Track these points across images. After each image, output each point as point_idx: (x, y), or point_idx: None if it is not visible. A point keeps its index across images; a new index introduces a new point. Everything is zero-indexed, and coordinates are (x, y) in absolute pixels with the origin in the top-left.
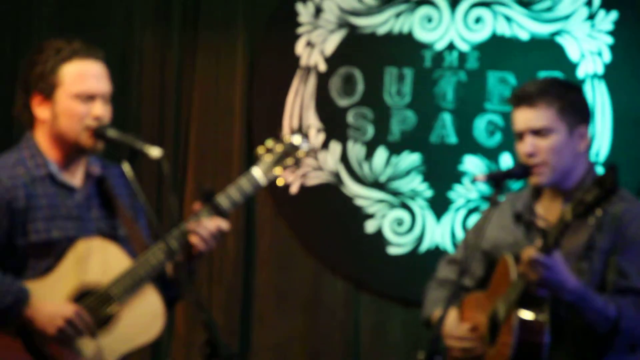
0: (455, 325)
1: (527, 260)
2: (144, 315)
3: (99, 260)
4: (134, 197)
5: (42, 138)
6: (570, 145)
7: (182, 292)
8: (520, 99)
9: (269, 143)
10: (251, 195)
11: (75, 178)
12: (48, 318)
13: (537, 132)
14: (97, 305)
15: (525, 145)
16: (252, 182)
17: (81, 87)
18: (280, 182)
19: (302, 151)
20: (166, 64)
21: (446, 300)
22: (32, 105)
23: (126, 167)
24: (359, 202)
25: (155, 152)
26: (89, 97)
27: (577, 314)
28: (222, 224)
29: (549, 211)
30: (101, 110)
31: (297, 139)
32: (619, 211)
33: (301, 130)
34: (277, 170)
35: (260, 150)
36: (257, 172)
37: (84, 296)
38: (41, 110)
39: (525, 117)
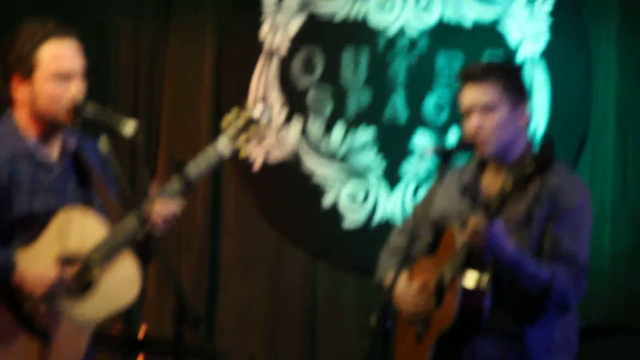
0: (405, 287)
1: (471, 227)
2: (122, 279)
3: (79, 228)
4: (106, 167)
5: (21, 116)
6: (512, 121)
7: (152, 254)
8: (468, 77)
9: (233, 114)
10: (217, 164)
11: (53, 153)
12: (33, 283)
13: (483, 108)
14: (79, 271)
15: (472, 121)
16: (217, 152)
17: (58, 67)
18: (243, 153)
19: (264, 122)
20: (140, 44)
21: (398, 266)
22: (11, 86)
23: (103, 142)
24: (316, 180)
25: (129, 128)
26: (66, 76)
27: (514, 277)
28: (175, 207)
29: (492, 184)
30: (78, 88)
31: (257, 112)
32: (554, 183)
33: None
34: (241, 140)
35: (224, 122)
36: (222, 143)
37: (65, 263)
38: (20, 91)
39: (471, 95)
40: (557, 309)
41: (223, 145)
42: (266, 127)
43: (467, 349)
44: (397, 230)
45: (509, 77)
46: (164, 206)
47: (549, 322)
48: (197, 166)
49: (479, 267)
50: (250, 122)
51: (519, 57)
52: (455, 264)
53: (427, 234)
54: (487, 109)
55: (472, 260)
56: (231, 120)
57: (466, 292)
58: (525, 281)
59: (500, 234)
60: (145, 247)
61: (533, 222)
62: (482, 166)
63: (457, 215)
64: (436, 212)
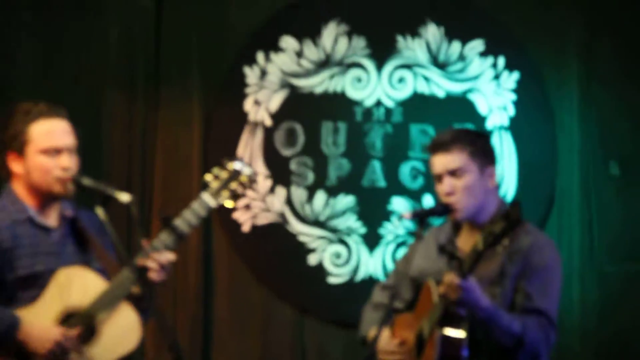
0: (387, 342)
1: (447, 283)
2: (123, 328)
3: (79, 285)
4: (102, 232)
5: (19, 188)
6: (481, 183)
7: (149, 310)
8: (437, 146)
9: (215, 170)
10: (204, 217)
11: (51, 219)
12: (38, 341)
13: (453, 173)
14: (81, 324)
15: (444, 186)
16: (203, 205)
17: (48, 143)
18: (229, 205)
19: (244, 175)
20: (132, 120)
21: (380, 321)
22: (7, 162)
23: (100, 211)
24: (302, 238)
25: (124, 197)
26: (56, 151)
27: (488, 330)
28: (170, 256)
29: (466, 243)
30: (67, 161)
31: (238, 165)
32: (525, 243)
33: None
34: (224, 194)
35: (207, 176)
36: (207, 196)
37: (68, 317)
38: (16, 166)
39: (441, 162)
40: None
41: (208, 197)
42: (248, 179)
43: None
44: (379, 287)
45: (475, 142)
46: (158, 256)
47: None
48: (184, 219)
49: (455, 320)
50: (233, 175)
51: (488, 127)
52: (432, 318)
53: (407, 290)
54: (456, 174)
55: (448, 314)
56: (214, 174)
57: (445, 341)
58: (498, 333)
59: (474, 288)
60: (142, 303)
61: (505, 280)
62: (457, 227)
63: (434, 273)
64: (415, 270)
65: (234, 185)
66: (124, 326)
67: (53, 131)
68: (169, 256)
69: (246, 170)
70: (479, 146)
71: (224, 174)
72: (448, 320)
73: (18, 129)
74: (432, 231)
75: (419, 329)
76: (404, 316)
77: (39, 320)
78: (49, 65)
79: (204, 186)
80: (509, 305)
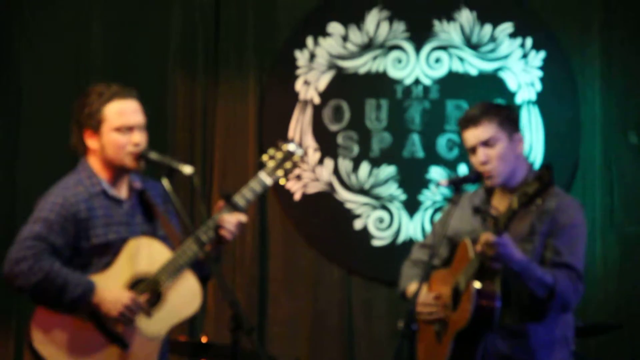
0: (425, 296)
1: (483, 241)
2: (186, 294)
3: (146, 254)
4: (167, 203)
5: (94, 163)
6: (511, 150)
7: (211, 273)
8: (467, 121)
9: (271, 151)
10: (260, 193)
11: (122, 192)
12: (111, 304)
13: (485, 144)
14: (148, 290)
15: (479, 156)
16: (260, 183)
17: (121, 122)
18: (282, 182)
19: (297, 155)
20: (194, 98)
21: (420, 277)
22: (84, 138)
23: (165, 183)
24: (348, 205)
25: (187, 169)
26: (128, 129)
27: (522, 282)
28: (242, 217)
29: (499, 205)
30: (139, 137)
31: (292, 147)
32: (553, 204)
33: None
34: (279, 172)
35: (264, 157)
36: (263, 175)
37: (137, 283)
38: (92, 142)
39: (473, 134)
40: (558, 309)
41: (264, 176)
42: (300, 159)
43: (480, 346)
44: (418, 245)
45: (500, 113)
46: (233, 216)
47: (551, 321)
48: (243, 196)
49: (490, 274)
50: (287, 156)
51: (517, 102)
52: (468, 272)
53: (444, 249)
54: (489, 143)
55: (483, 268)
56: (270, 155)
57: (480, 294)
58: (532, 285)
59: (509, 243)
60: (203, 264)
61: (535, 237)
62: (489, 191)
63: (469, 232)
64: (451, 230)
65: (287, 164)
66: (186, 292)
67: (125, 111)
68: (240, 216)
69: (299, 151)
70: (505, 115)
71: (279, 155)
72: (483, 274)
73: (94, 109)
74: (466, 196)
75: (454, 284)
76: (440, 272)
77: (111, 285)
78: (119, 48)
79: (261, 166)
80: (539, 261)
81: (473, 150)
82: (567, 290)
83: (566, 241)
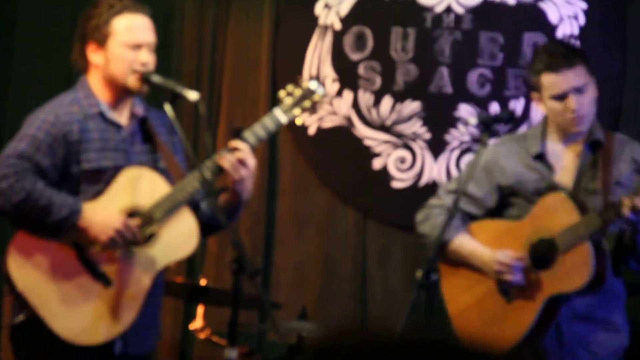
0: (502, 254)
1: (629, 204)
2: (181, 234)
3: (147, 186)
4: (172, 135)
5: (94, 81)
6: (595, 97)
7: (222, 225)
8: (559, 63)
9: (289, 87)
10: (273, 132)
11: (122, 117)
12: (100, 227)
13: (579, 90)
14: (142, 224)
15: (571, 103)
16: (274, 120)
17: (130, 37)
18: (298, 122)
19: (318, 95)
20: (203, 21)
21: (459, 228)
22: (87, 53)
23: (168, 108)
24: (367, 142)
25: (193, 95)
26: (137, 46)
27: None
28: (241, 155)
29: (564, 151)
30: (147, 57)
31: (313, 84)
32: (624, 148)
33: (318, 78)
34: (296, 111)
35: (281, 93)
36: (279, 112)
37: (130, 216)
38: (95, 57)
39: (567, 78)
40: None
41: (280, 113)
42: (321, 99)
43: (560, 308)
44: (445, 190)
45: (586, 58)
46: (236, 153)
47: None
48: (254, 132)
49: (604, 234)
50: (307, 94)
51: (558, 36)
52: (579, 231)
53: (491, 198)
54: (582, 90)
55: (602, 229)
56: (288, 91)
57: (598, 257)
58: None
59: None
60: (216, 216)
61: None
62: (544, 132)
63: (536, 181)
64: (508, 177)
65: (306, 103)
66: (182, 231)
67: (136, 26)
68: (244, 147)
69: (320, 90)
70: (586, 59)
71: (297, 92)
72: (598, 234)
73: (102, 21)
74: (513, 139)
75: (535, 239)
76: (489, 224)
77: (103, 211)
78: None
79: (277, 101)
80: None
81: (563, 96)
82: None
83: None
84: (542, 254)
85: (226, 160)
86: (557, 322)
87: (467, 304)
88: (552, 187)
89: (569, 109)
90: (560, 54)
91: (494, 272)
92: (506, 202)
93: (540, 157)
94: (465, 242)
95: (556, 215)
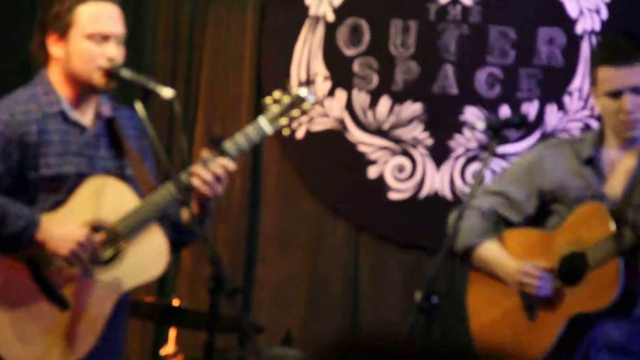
0: (528, 265)
1: None
2: (149, 253)
3: (112, 198)
4: (142, 138)
5: (55, 76)
6: None
7: (193, 239)
8: (618, 58)
9: (276, 94)
10: (257, 143)
11: (86, 117)
12: (60, 241)
13: (634, 90)
14: (106, 241)
15: (626, 103)
16: (259, 130)
17: (95, 28)
18: (285, 132)
19: (308, 103)
20: (180, 11)
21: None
22: (47, 44)
23: (138, 107)
24: (362, 148)
25: (167, 92)
26: (103, 38)
27: None
28: (228, 164)
29: (618, 158)
30: (114, 51)
31: (303, 91)
32: None
33: (309, 79)
34: (283, 121)
35: (267, 100)
36: (264, 122)
37: (94, 231)
38: (56, 49)
39: (625, 75)
40: None
41: (265, 122)
42: (312, 107)
43: (588, 332)
44: (484, 191)
45: None
46: (216, 163)
47: None
48: (235, 143)
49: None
50: (295, 102)
51: (577, 31)
52: (610, 248)
53: (530, 203)
54: (637, 90)
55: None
56: (275, 98)
57: (630, 276)
58: None
59: None
60: (185, 228)
61: None
62: (601, 139)
63: (582, 188)
64: (550, 182)
65: (295, 112)
66: (150, 250)
67: (102, 15)
68: (226, 163)
69: (310, 98)
70: None
71: (285, 99)
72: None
73: (63, 8)
74: (570, 141)
75: (568, 253)
76: (522, 232)
77: (63, 223)
78: None
79: (261, 105)
80: None
81: (617, 94)
82: None
83: None
84: (572, 268)
85: (200, 176)
86: (587, 349)
87: (490, 318)
88: (597, 198)
89: (623, 109)
90: (621, 47)
91: (518, 283)
92: (548, 209)
93: (591, 162)
94: (491, 249)
95: (590, 226)
